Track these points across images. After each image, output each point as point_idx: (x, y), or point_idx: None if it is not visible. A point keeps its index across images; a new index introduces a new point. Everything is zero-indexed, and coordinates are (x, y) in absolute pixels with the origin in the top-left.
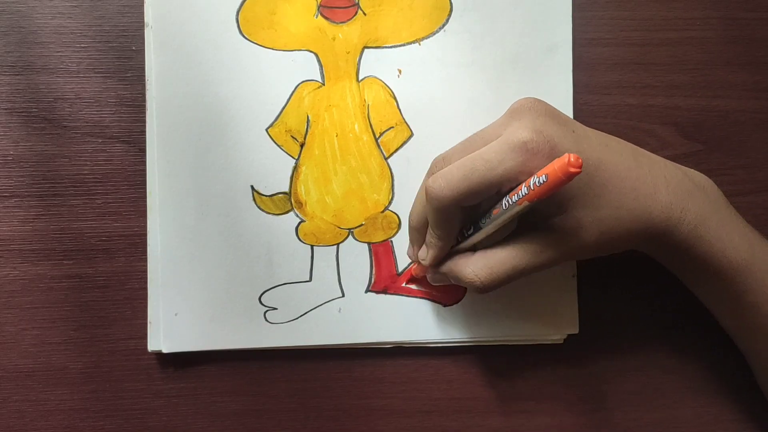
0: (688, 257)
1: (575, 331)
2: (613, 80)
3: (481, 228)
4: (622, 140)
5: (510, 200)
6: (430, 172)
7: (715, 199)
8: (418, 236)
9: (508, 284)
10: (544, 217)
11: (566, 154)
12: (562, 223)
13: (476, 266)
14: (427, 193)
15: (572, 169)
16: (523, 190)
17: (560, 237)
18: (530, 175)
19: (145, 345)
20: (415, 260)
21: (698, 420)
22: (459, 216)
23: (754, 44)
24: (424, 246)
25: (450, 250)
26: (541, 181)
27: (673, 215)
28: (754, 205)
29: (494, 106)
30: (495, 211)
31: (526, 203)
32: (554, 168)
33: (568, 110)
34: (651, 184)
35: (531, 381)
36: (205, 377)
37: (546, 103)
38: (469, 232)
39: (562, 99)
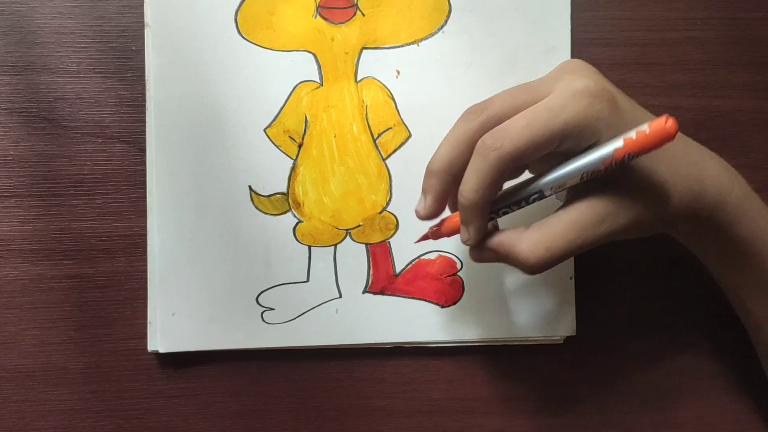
0: (729, 236)
1: (572, 333)
2: (613, 80)
3: (543, 193)
4: None
5: (598, 156)
6: (466, 114)
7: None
8: (437, 184)
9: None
10: (599, 185)
11: (664, 116)
12: (620, 188)
13: (531, 242)
14: (482, 150)
15: (669, 128)
16: (616, 143)
17: (621, 205)
18: (596, 122)
19: (145, 345)
20: (423, 214)
21: (699, 420)
22: (503, 179)
23: (754, 44)
24: (463, 226)
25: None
26: (643, 132)
27: (723, 185)
28: None
29: None
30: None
31: (617, 159)
32: (654, 126)
33: None
34: (698, 153)
35: (531, 381)
36: (205, 377)
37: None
38: (534, 197)
39: None
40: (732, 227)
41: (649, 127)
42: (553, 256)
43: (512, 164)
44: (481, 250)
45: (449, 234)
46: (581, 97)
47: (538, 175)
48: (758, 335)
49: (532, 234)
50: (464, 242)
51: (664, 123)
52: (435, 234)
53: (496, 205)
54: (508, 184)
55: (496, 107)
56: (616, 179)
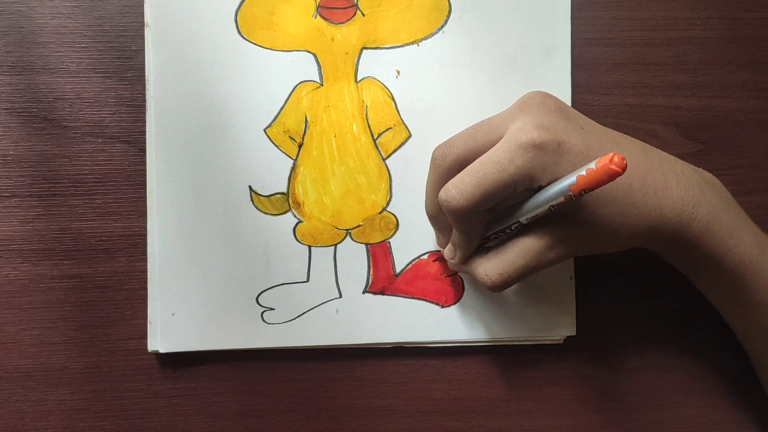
0: (698, 254)
1: (572, 333)
2: (613, 80)
3: (520, 222)
4: (630, 137)
5: (557, 190)
6: (433, 160)
7: (725, 196)
8: (437, 224)
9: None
10: (556, 216)
11: (611, 153)
12: (571, 219)
13: (487, 267)
14: (441, 203)
15: (614, 168)
16: (570, 179)
17: (569, 234)
18: (541, 172)
19: (145, 345)
20: (448, 253)
21: (699, 420)
22: (479, 217)
23: (754, 44)
24: (450, 245)
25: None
26: (591, 169)
27: (685, 211)
28: (754, 205)
29: (493, 107)
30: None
31: (574, 193)
32: (600, 165)
33: None
34: (662, 180)
35: (531, 381)
36: (205, 377)
37: (555, 97)
38: (514, 225)
39: (561, 100)
40: (699, 247)
41: (596, 165)
42: (506, 281)
43: (470, 214)
44: (456, 266)
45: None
46: (528, 150)
47: (514, 206)
48: (748, 346)
49: (488, 260)
50: (449, 259)
51: (609, 161)
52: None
53: (486, 234)
54: None
55: (458, 150)
56: (570, 211)
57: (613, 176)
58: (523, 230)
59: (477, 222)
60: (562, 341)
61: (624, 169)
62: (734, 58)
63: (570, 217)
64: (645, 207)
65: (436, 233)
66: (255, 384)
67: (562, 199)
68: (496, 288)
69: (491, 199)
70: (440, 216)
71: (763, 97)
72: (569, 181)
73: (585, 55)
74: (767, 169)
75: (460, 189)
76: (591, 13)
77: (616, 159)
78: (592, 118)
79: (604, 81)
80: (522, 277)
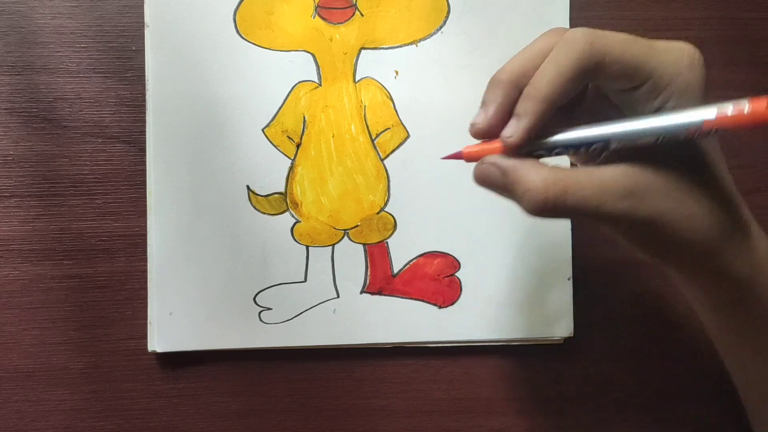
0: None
1: (570, 334)
2: None
3: (609, 144)
4: None
5: (685, 122)
6: (554, 34)
7: None
8: (502, 94)
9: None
10: (649, 157)
11: (764, 97)
12: (673, 174)
13: (550, 176)
14: (570, 39)
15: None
16: (707, 113)
17: (656, 188)
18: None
19: (145, 345)
20: (483, 125)
21: (699, 420)
22: (579, 84)
23: (754, 44)
24: (513, 119)
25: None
26: (741, 109)
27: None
28: (754, 205)
29: None
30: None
31: (703, 130)
32: (758, 103)
33: None
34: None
35: (531, 381)
36: (205, 377)
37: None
38: (597, 145)
39: None
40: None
41: (750, 104)
42: (563, 203)
43: (596, 67)
44: (492, 165)
45: (485, 154)
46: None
47: (605, 122)
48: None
49: (553, 171)
50: (504, 138)
51: (766, 105)
52: (470, 155)
53: (552, 143)
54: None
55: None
56: (679, 161)
57: (761, 124)
58: (605, 159)
59: (573, 89)
60: (561, 341)
61: None
62: (734, 58)
63: (671, 170)
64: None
65: (484, 107)
66: (255, 384)
67: (684, 133)
68: (544, 205)
69: (632, 63)
70: (513, 86)
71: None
72: (706, 115)
73: None
74: (766, 169)
75: (603, 34)
76: (590, 13)
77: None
78: None
79: None
80: (579, 212)
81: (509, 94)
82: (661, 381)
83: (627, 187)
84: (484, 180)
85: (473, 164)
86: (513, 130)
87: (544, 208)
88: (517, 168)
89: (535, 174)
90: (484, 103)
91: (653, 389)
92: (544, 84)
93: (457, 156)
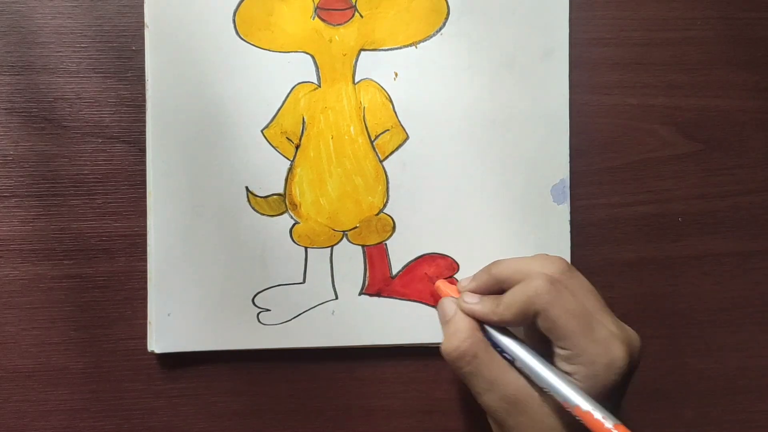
0: None
1: None
2: (613, 80)
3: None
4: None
5: (563, 393)
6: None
7: None
8: (485, 281)
9: None
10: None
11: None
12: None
13: (467, 342)
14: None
15: None
16: (576, 404)
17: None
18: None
19: (145, 345)
20: (464, 288)
21: (699, 420)
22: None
23: (754, 44)
24: (479, 296)
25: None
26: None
27: None
28: (754, 205)
29: (491, 110)
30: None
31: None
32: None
33: (564, 114)
34: None
35: None
36: (205, 377)
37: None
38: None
39: (559, 103)
40: None
41: (611, 429)
42: (459, 369)
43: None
44: (447, 304)
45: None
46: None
47: (522, 345)
48: None
49: (474, 341)
50: (470, 303)
51: None
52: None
53: (488, 332)
54: None
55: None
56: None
57: None
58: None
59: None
60: None
61: None
62: (734, 58)
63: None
64: None
65: (474, 279)
66: (255, 384)
67: (560, 399)
68: (444, 355)
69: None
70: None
71: (763, 97)
72: (580, 404)
73: (584, 55)
74: (766, 169)
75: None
76: (590, 13)
77: None
78: (592, 118)
79: (604, 81)
80: (466, 381)
81: (490, 286)
82: (660, 381)
83: (512, 396)
84: (441, 306)
85: (476, 167)
86: (470, 304)
87: (450, 356)
88: (462, 317)
89: (465, 330)
90: (474, 278)
91: (653, 389)
92: (501, 307)
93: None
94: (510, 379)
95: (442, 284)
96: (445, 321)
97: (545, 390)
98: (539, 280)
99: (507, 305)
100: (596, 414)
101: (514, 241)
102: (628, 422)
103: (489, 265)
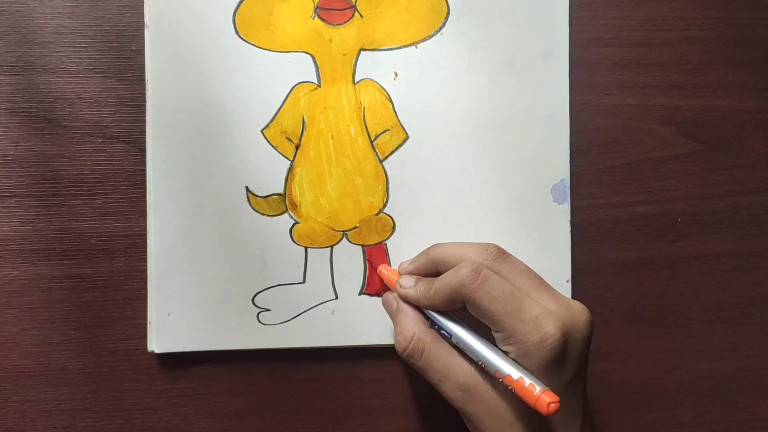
0: None
1: None
2: (613, 80)
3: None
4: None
5: (492, 362)
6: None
7: None
8: (424, 263)
9: None
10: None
11: (552, 397)
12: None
13: (418, 334)
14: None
15: (549, 411)
16: (508, 374)
17: (491, 409)
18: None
19: (145, 345)
20: (404, 269)
21: (699, 420)
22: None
23: (754, 44)
24: (415, 279)
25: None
26: (531, 389)
27: None
28: (754, 204)
29: (491, 110)
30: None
31: (500, 378)
32: (536, 397)
33: (564, 114)
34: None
35: None
36: (205, 377)
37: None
38: (443, 329)
39: (559, 103)
40: None
41: (541, 393)
42: (414, 362)
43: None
44: (392, 299)
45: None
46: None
47: (459, 323)
48: None
49: (424, 331)
50: (399, 285)
51: (546, 406)
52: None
53: (428, 314)
54: None
55: None
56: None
57: (540, 411)
58: (455, 336)
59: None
60: None
61: (553, 413)
62: (734, 58)
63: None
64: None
65: (413, 262)
66: (255, 384)
67: (492, 371)
68: (399, 351)
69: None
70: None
71: (763, 97)
72: (510, 371)
73: (584, 55)
74: (766, 169)
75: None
76: (590, 13)
77: (551, 407)
78: (592, 118)
79: (604, 81)
80: (422, 373)
81: (427, 268)
82: (660, 381)
83: (465, 384)
84: (384, 303)
85: (476, 167)
86: (405, 289)
87: (401, 355)
88: (404, 312)
89: (410, 327)
90: (413, 260)
91: (653, 389)
92: (432, 293)
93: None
94: (460, 367)
95: (383, 268)
96: (391, 317)
97: (481, 364)
98: (464, 269)
99: (436, 290)
100: (526, 381)
101: (514, 241)
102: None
103: (429, 247)
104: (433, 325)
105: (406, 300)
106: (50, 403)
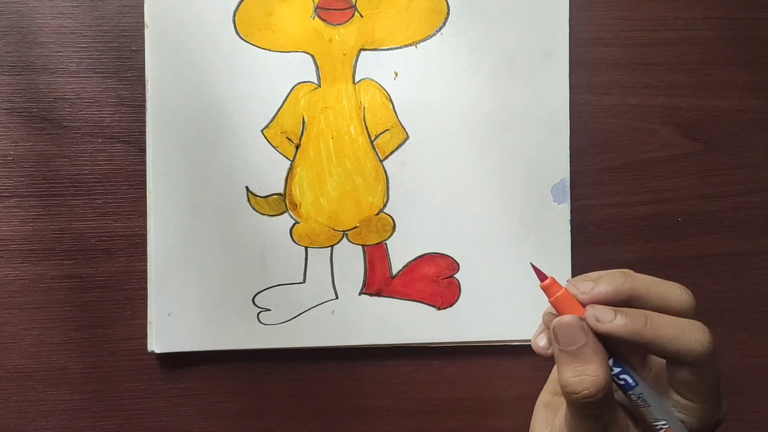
0: None
1: None
2: (613, 80)
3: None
4: None
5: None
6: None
7: None
8: (613, 290)
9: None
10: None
11: None
12: None
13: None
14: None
15: None
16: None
17: None
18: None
19: (145, 345)
20: (586, 298)
21: None
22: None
23: (754, 44)
24: (613, 311)
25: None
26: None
27: None
28: (754, 204)
29: (491, 110)
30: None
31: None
32: None
33: (564, 114)
34: None
35: (531, 381)
36: (205, 377)
37: None
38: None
39: (559, 103)
40: None
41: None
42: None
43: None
44: (582, 328)
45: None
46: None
47: (641, 381)
48: None
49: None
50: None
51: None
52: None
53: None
54: None
55: None
56: None
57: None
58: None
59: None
60: None
61: None
62: (734, 58)
63: None
64: None
65: (597, 282)
66: (255, 384)
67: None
68: (590, 395)
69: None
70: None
71: (763, 97)
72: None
73: (585, 55)
74: (766, 169)
75: None
76: (590, 13)
77: None
78: (592, 118)
79: (604, 81)
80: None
81: (621, 297)
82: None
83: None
84: (561, 326)
85: (476, 167)
86: (605, 324)
87: (589, 399)
88: (598, 352)
89: (604, 372)
90: (602, 280)
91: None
92: (650, 330)
93: (541, 278)
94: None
95: (560, 296)
96: (570, 349)
97: (654, 424)
98: (703, 332)
99: (661, 329)
100: None
101: (515, 241)
102: None
103: (621, 271)
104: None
105: (605, 333)
106: (50, 403)
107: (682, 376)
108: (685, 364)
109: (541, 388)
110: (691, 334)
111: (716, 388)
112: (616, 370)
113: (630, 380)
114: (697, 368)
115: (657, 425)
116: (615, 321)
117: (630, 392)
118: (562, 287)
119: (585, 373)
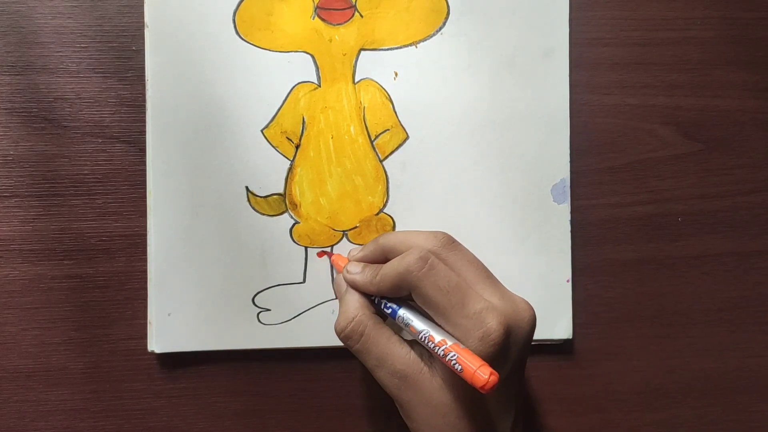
0: None
1: (569, 336)
2: (613, 80)
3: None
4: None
5: (427, 339)
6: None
7: None
8: (372, 252)
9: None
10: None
11: (490, 370)
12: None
13: (359, 316)
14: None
15: (485, 385)
16: (440, 348)
17: (427, 398)
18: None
19: (145, 345)
20: (353, 256)
21: (699, 420)
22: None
23: (754, 44)
24: (363, 265)
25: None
26: (456, 367)
27: None
28: (755, 204)
29: (490, 110)
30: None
31: (435, 345)
32: (473, 372)
33: (564, 114)
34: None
35: (531, 381)
36: (205, 377)
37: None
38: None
39: (559, 103)
40: None
41: (477, 367)
42: (351, 345)
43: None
44: (341, 282)
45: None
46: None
47: (405, 306)
48: None
49: (365, 315)
50: (346, 270)
51: (487, 376)
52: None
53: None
54: None
55: None
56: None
57: (477, 386)
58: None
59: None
60: (560, 342)
61: (489, 390)
62: (734, 58)
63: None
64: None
65: (362, 250)
66: (255, 384)
67: (426, 338)
68: (336, 332)
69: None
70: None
71: (763, 97)
72: (447, 338)
73: (584, 55)
74: (766, 169)
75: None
76: (590, 13)
77: (492, 378)
78: (592, 118)
79: (604, 81)
80: (359, 357)
81: (377, 255)
82: (661, 381)
83: (402, 371)
84: (335, 288)
85: (476, 167)
86: (352, 274)
87: (340, 336)
88: (350, 294)
89: (353, 309)
90: (363, 247)
91: (653, 389)
92: (378, 279)
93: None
94: (399, 354)
95: (336, 257)
96: (339, 299)
97: (421, 338)
98: (411, 256)
99: (382, 276)
100: (466, 355)
101: (515, 241)
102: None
103: (379, 235)
104: (378, 305)
105: (354, 286)
106: (50, 403)
107: (419, 300)
108: (406, 289)
109: (538, 386)
110: (402, 262)
111: (449, 305)
112: (382, 305)
113: (393, 310)
114: (414, 289)
115: (420, 336)
116: (356, 273)
117: (396, 319)
118: (343, 257)
119: (343, 314)
